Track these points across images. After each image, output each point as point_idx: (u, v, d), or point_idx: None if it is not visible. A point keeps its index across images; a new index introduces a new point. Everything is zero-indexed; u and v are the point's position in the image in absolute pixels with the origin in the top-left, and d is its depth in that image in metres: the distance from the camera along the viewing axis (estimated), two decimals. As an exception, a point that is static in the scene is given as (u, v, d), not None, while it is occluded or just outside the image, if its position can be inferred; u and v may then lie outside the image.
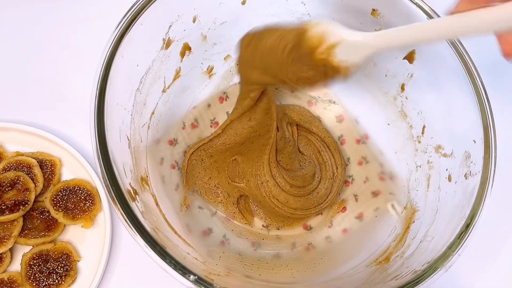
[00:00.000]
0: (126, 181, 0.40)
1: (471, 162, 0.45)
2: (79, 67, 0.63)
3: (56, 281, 0.52)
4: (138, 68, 0.47)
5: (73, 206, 0.55)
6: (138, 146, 0.48)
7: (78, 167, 0.58)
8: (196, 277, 0.33)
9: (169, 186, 0.54)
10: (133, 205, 0.38)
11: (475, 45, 0.48)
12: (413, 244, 0.46)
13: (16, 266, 0.54)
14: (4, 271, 0.53)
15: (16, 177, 0.54)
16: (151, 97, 0.51)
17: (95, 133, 0.39)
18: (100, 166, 0.38)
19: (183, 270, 0.34)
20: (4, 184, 0.54)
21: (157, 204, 0.47)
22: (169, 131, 0.57)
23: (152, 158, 0.52)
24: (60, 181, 0.57)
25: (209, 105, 0.60)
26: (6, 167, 0.56)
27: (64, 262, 0.53)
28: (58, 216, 0.54)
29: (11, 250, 0.53)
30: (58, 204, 0.54)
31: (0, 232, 0.52)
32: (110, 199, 0.38)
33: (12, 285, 0.52)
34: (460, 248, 0.39)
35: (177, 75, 0.54)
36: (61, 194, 0.55)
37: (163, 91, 0.53)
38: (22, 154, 0.57)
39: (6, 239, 0.52)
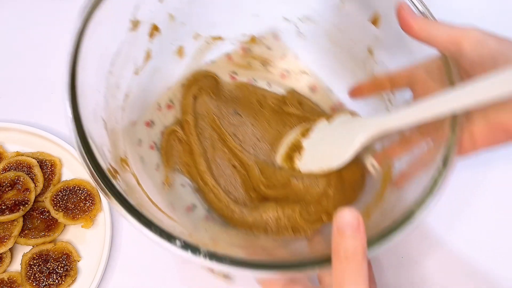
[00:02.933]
0: (106, 161, 0.41)
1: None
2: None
3: (56, 281, 0.52)
4: (107, 51, 0.47)
5: (73, 206, 0.55)
6: (114, 128, 0.48)
7: (78, 167, 0.58)
8: (183, 241, 0.34)
9: (150, 166, 0.54)
10: (115, 182, 0.39)
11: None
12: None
13: (16, 266, 0.54)
14: (4, 271, 0.53)
15: (16, 177, 0.54)
16: (123, 79, 0.51)
17: (71, 115, 0.39)
18: (78, 147, 0.38)
19: (169, 237, 0.34)
20: (4, 184, 0.54)
21: (139, 184, 0.48)
22: (145, 112, 0.57)
23: (130, 140, 0.52)
24: (60, 181, 0.57)
25: (183, 85, 0.60)
26: (6, 167, 0.56)
27: (64, 262, 0.53)
28: (58, 216, 0.54)
29: (11, 250, 0.53)
30: (58, 204, 0.55)
31: (0, 232, 0.52)
32: (93, 181, 0.38)
33: (12, 285, 0.52)
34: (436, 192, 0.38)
35: (147, 56, 0.55)
36: (61, 194, 0.55)
37: (135, 73, 0.53)
38: (22, 154, 0.57)
39: (6, 239, 0.52)
